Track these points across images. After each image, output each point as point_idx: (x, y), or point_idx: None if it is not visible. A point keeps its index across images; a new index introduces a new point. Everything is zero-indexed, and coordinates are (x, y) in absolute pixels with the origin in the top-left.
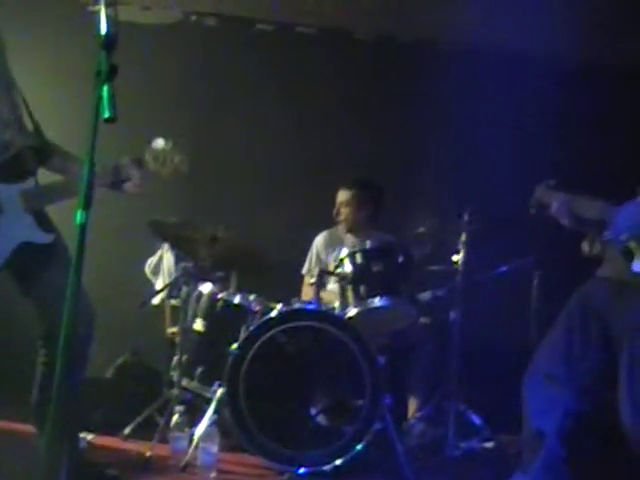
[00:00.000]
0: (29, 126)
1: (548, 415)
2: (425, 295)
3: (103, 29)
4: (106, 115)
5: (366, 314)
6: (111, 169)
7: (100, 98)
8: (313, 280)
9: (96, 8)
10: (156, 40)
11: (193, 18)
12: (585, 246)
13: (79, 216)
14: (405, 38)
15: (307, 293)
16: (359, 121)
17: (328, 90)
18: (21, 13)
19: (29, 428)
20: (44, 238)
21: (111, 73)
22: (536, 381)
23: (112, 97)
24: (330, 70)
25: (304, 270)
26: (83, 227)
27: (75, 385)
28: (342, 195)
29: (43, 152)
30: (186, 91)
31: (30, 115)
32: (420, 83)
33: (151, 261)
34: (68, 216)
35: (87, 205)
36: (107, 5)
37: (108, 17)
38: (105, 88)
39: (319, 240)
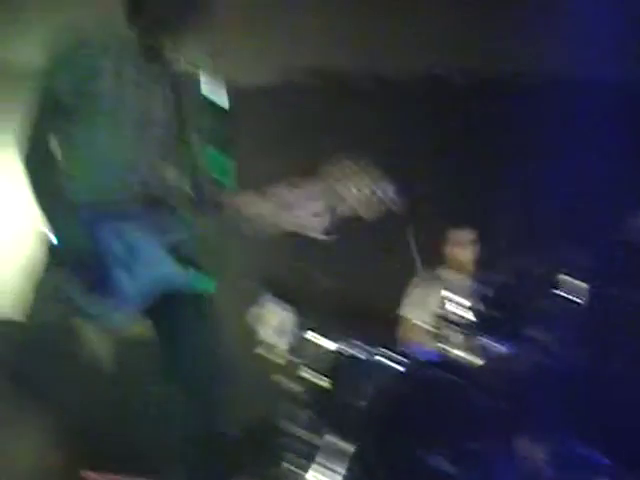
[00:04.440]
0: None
1: None
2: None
3: (223, 103)
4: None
5: (489, 361)
6: None
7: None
8: (426, 326)
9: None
10: None
11: None
12: None
13: None
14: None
15: (407, 334)
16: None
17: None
18: None
19: None
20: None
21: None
22: None
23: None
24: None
25: (404, 312)
26: None
27: None
28: (462, 236)
29: None
30: None
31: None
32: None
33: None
34: None
35: None
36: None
37: (221, 87)
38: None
39: (420, 281)
